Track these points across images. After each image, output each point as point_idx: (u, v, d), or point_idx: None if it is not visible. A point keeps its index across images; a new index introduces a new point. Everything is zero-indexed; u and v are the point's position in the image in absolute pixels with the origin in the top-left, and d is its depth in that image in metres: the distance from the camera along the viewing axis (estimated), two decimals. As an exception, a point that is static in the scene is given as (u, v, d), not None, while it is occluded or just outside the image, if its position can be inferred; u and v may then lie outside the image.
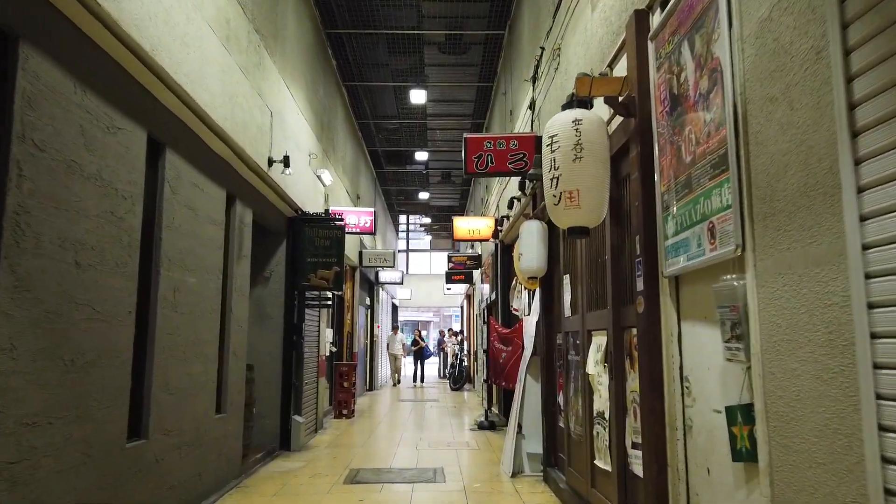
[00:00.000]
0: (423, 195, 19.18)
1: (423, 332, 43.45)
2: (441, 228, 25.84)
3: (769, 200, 2.00)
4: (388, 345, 18.08)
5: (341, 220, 7.73)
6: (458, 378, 17.04)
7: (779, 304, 1.95)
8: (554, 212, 3.16)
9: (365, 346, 15.78)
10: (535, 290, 6.57)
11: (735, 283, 2.16)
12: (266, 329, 7.33)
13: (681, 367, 2.81)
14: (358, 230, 9.32)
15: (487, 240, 10.06)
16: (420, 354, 18.84)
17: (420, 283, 26.78)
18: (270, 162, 6.14)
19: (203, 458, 4.88)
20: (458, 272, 17.36)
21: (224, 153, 5.21)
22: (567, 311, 4.96)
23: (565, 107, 3.18)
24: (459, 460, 6.79)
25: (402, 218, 26.69)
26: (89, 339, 3.29)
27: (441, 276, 21.81)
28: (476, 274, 15.64)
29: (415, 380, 18.75)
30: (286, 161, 6.19)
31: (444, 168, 18.03)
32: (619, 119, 3.51)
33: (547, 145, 3.15)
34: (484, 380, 9.57)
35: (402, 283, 17.66)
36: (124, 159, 3.63)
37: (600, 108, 3.45)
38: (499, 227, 9.69)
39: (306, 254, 7.59)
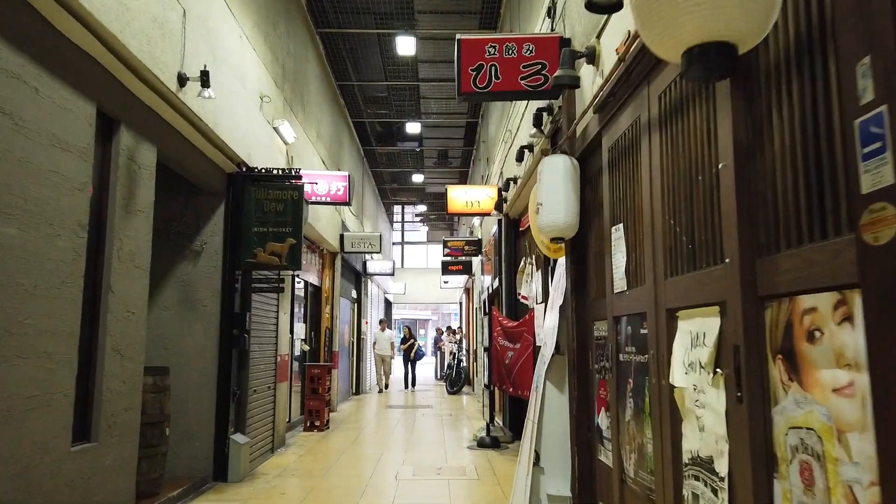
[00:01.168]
0: (418, 178, 17.36)
1: (422, 332, 41.04)
2: (438, 218, 24.03)
3: None
4: (374, 343, 15.86)
5: (299, 177, 5.92)
6: (455, 380, 15.22)
7: None
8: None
9: (349, 345, 13.97)
10: (555, 265, 4.77)
11: None
12: (196, 320, 5.52)
13: None
14: (328, 199, 7.50)
15: (489, 214, 8.26)
16: (410, 351, 16.39)
17: (416, 278, 24.98)
18: (182, 80, 4.32)
19: (40, 518, 3.06)
20: (456, 262, 15.55)
21: (87, 44, 3.39)
22: (618, 285, 3.14)
23: None
24: (452, 498, 4.97)
25: (397, 211, 24.90)
26: None
27: (438, 270, 19.99)
28: (475, 262, 13.82)
29: (406, 384, 16.39)
30: (204, 79, 4.38)
31: (441, 146, 16.22)
32: None
33: None
34: (485, 385, 7.76)
35: (393, 275, 15.83)
36: None
37: None
38: (503, 195, 7.88)
39: (253, 222, 5.79)
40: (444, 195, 21.01)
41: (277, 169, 5.93)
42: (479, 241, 12.11)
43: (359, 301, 15.04)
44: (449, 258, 15.92)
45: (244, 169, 5.84)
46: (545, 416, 4.30)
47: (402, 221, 25.56)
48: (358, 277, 15.06)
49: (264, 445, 6.52)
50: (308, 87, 9.01)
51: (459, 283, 19.17)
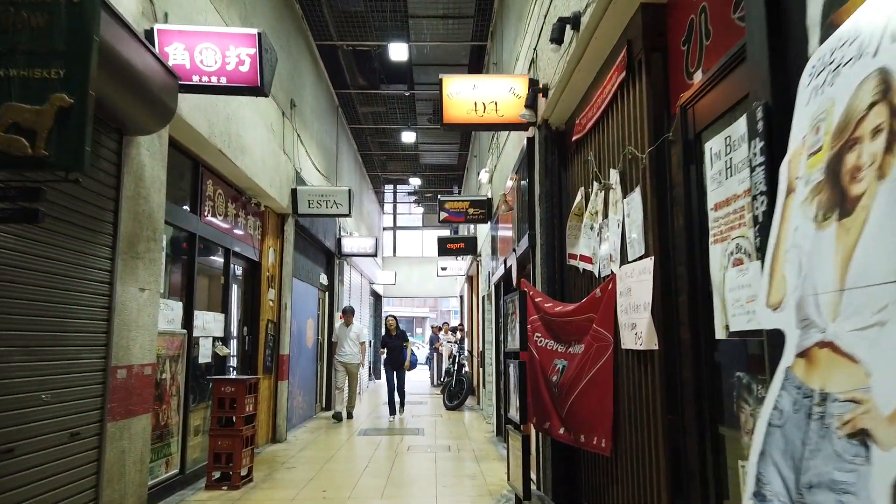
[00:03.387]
0: (409, 137, 13.92)
1: (418, 332, 36.67)
2: (435, 198, 20.58)
3: None
4: (334, 343, 10.22)
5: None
6: (455, 391, 11.81)
7: None
8: None
9: (316, 346, 10.59)
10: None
11: None
12: None
13: None
14: (221, 79, 4.08)
15: (513, 125, 4.87)
16: (396, 357, 10.34)
17: (410, 268, 21.62)
18: None
19: None
20: (457, 239, 12.16)
21: None
22: None
23: None
24: None
25: (388, 189, 21.53)
26: None
27: (435, 259, 16.59)
28: (482, 235, 10.45)
29: (392, 409, 10.17)
30: None
31: (437, 94, 12.83)
32: None
33: None
34: (512, 422, 4.34)
35: (375, 255, 12.40)
36: None
37: None
38: (539, 84, 4.52)
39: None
40: (441, 168, 17.45)
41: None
42: (489, 201, 8.72)
43: (331, 289, 11.65)
44: (447, 227, 12.58)
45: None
46: None
47: (395, 202, 22.17)
48: (329, 258, 11.67)
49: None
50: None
51: (460, 270, 15.80)
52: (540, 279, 4.67)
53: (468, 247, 11.61)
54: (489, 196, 8.77)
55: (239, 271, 7.02)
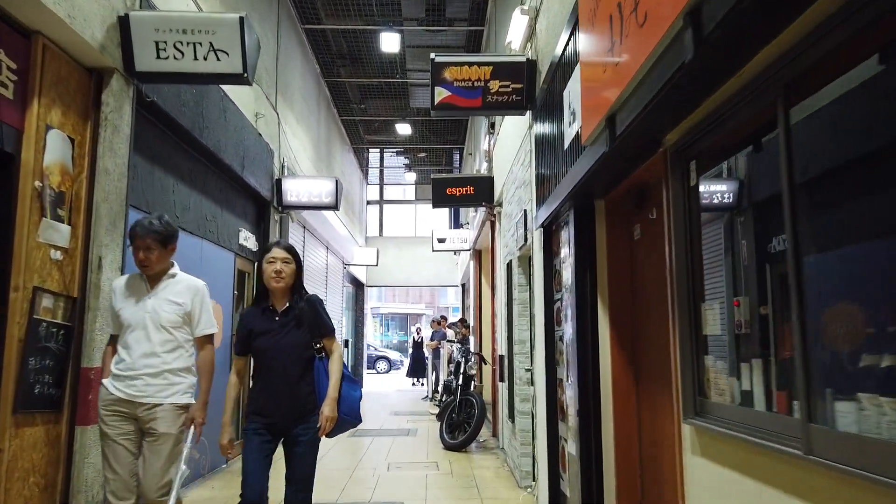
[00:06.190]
0: (390, 43, 9.53)
1: (413, 329, 29.82)
2: (432, 158, 16.23)
3: None
4: (112, 342, 3.07)
5: None
6: (459, 420, 7.55)
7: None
8: None
9: (230, 349, 6.31)
10: None
11: None
12: None
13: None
14: None
15: None
16: (281, 390, 2.82)
17: (400, 251, 17.36)
18: None
19: None
20: (461, 181, 7.87)
21: None
22: None
23: None
24: None
25: (374, 158, 17.27)
26: None
27: (429, 239, 12.25)
28: (502, 169, 6.17)
29: None
30: None
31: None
32: None
33: None
34: None
35: (336, 208, 8.02)
36: None
37: None
38: None
39: None
40: (439, 124, 12.78)
41: None
42: (530, 66, 4.47)
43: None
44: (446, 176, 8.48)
45: None
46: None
47: (381, 167, 17.87)
48: (262, 209, 7.42)
49: None
50: None
51: (464, 242, 11.55)
52: None
53: (480, 192, 7.35)
54: (530, 57, 4.51)
55: None
